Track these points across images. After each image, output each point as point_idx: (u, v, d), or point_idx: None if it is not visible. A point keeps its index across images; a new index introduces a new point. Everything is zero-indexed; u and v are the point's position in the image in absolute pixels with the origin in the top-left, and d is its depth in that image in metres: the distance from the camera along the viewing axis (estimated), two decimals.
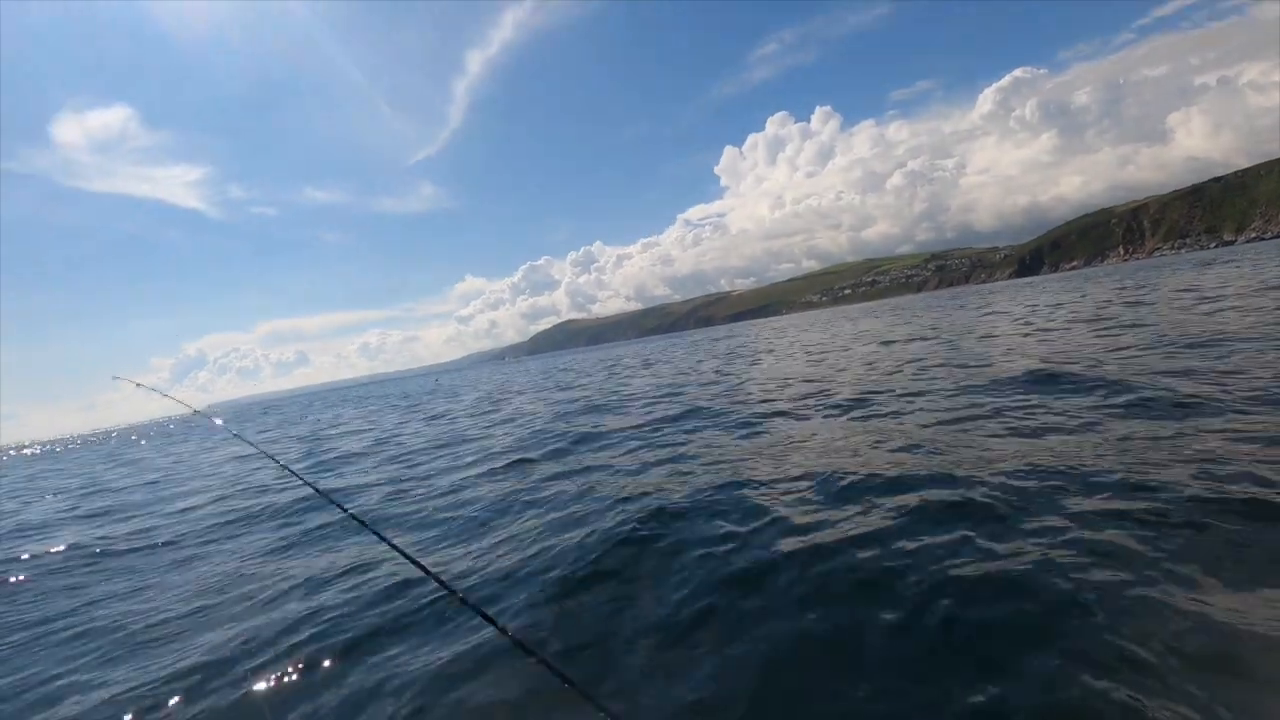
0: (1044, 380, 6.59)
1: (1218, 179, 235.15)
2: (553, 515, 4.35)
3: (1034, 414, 5.19)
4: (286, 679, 2.65)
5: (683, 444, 6.39)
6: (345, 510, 2.04)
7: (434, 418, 15.29)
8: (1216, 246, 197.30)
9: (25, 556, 6.02)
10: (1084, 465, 3.67)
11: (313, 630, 3.06)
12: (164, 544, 5.74)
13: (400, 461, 8.70)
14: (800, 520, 3.47)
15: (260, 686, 2.61)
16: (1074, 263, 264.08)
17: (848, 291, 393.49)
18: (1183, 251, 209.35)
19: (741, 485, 4.29)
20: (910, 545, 2.93)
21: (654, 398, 11.18)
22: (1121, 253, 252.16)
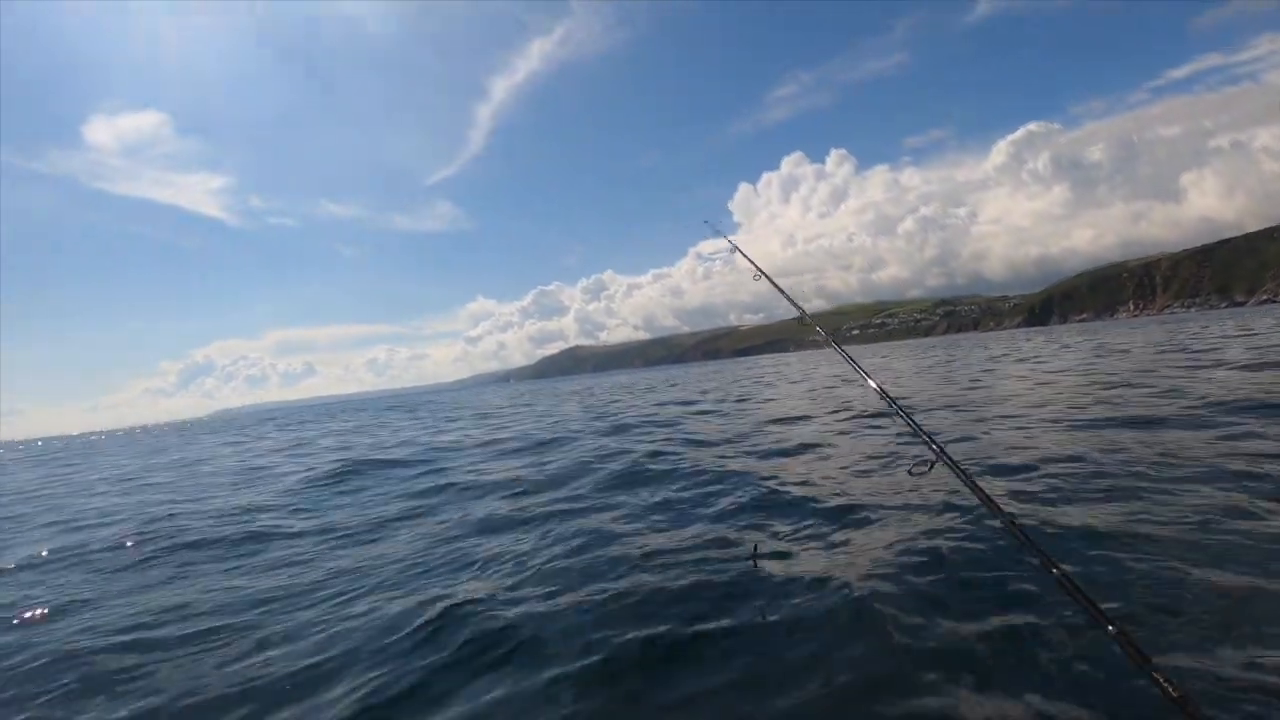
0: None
1: (1229, 240, 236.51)
2: None
3: None
4: None
5: None
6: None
7: None
8: (1227, 306, 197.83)
9: None
10: None
11: None
12: None
13: None
14: None
15: None
16: (1084, 315, 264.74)
17: (855, 332, 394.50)
18: (1193, 310, 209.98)
19: None
20: None
21: None
22: (1132, 308, 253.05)
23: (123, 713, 2.56)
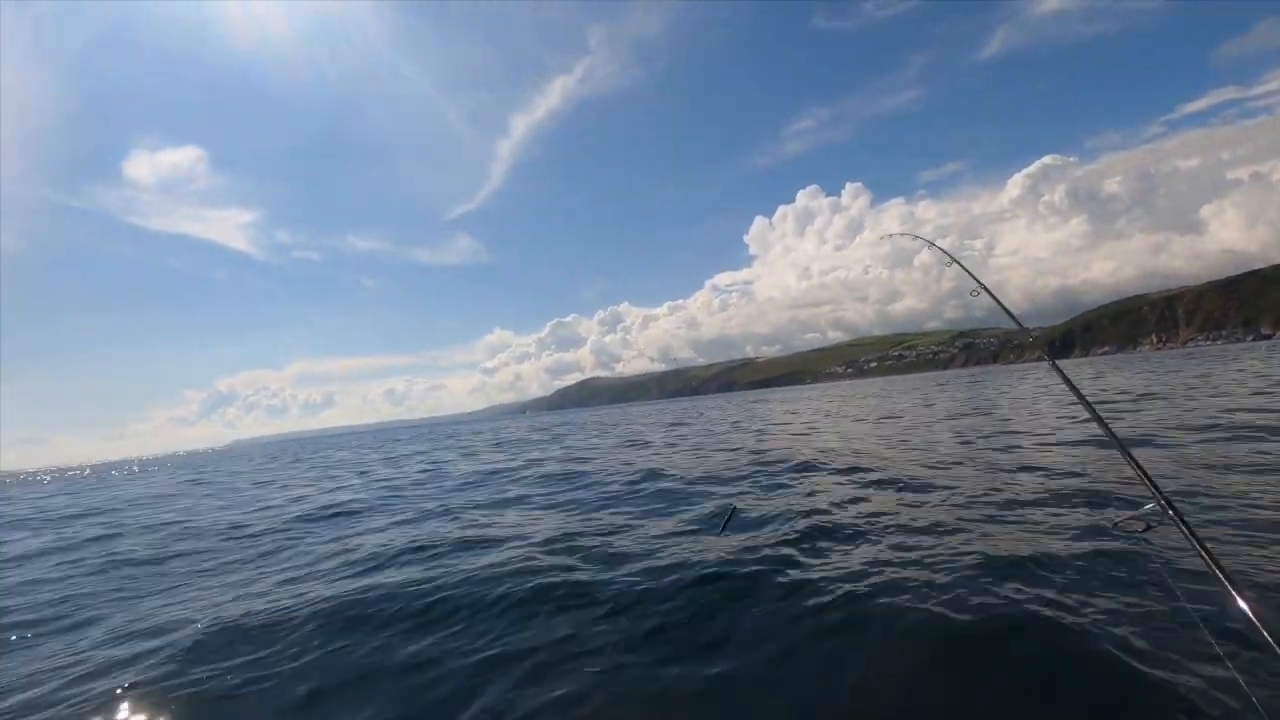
0: None
1: (1257, 271, 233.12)
2: None
3: None
4: None
5: None
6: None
7: None
8: (1254, 339, 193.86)
9: None
10: None
11: None
12: None
13: None
14: None
15: None
16: (1105, 348, 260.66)
17: (873, 364, 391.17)
18: (1218, 342, 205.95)
19: None
20: None
21: None
22: (1154, 340, 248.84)
23: None
